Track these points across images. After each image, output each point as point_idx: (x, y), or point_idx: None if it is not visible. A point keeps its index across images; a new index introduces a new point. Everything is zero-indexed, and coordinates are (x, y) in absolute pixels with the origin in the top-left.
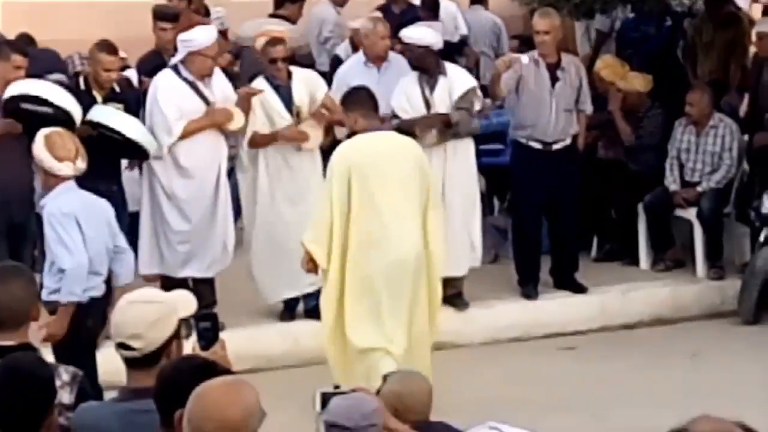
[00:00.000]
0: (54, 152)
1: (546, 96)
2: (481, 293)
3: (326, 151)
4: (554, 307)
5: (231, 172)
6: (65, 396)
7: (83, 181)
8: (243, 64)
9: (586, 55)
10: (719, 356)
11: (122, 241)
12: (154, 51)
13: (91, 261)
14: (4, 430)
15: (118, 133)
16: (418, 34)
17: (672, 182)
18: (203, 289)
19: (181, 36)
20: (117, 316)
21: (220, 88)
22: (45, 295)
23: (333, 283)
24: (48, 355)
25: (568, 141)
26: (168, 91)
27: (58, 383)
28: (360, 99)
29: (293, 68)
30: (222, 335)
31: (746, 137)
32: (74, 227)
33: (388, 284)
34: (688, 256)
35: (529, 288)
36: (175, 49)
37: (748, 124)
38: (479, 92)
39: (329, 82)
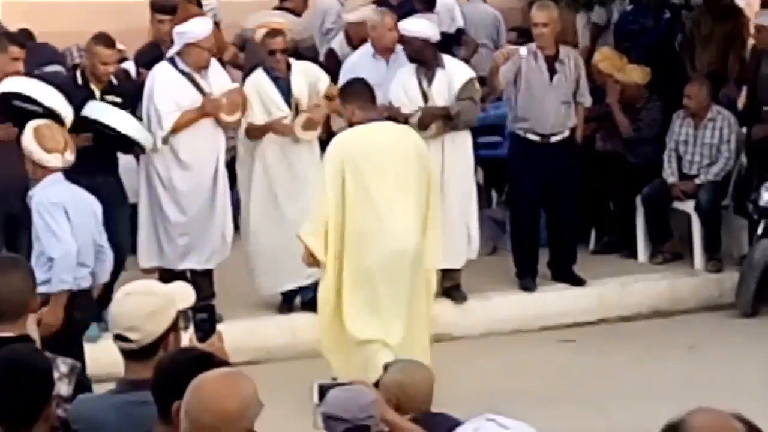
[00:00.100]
0: (43, 144)
1: (544, 88)
2: (480, 285)
3: (325, 143)
4: (552, 300)
5: (231, 164)
6: (63, 388)
7: (80, 173)
8: (248, 56)
9: (585, 48)
10: (717, 348)
11: (104, 240)
12: (152, 43)
13: (78, 251)
14: (3, 421)
15: (113, 129)
16: (416, 26)
17: (670, 175)
18: (202, 281)
19: (177, 28)
20: (114, 308)
21: (217, 79)
22: None
23: (330, 275)
24: None
25: (566, 133)
26: (164, 83)
27: (56, 375)
28: (357, 91)
29: (293, 60)
30: (220, 327)
31: (744, 130)
32: (62, 216)
33: (386, 276)
34: (686, 249)
35: (527, 280)
36: (173, 42)
37: (746, 116)
38: (477, 83)
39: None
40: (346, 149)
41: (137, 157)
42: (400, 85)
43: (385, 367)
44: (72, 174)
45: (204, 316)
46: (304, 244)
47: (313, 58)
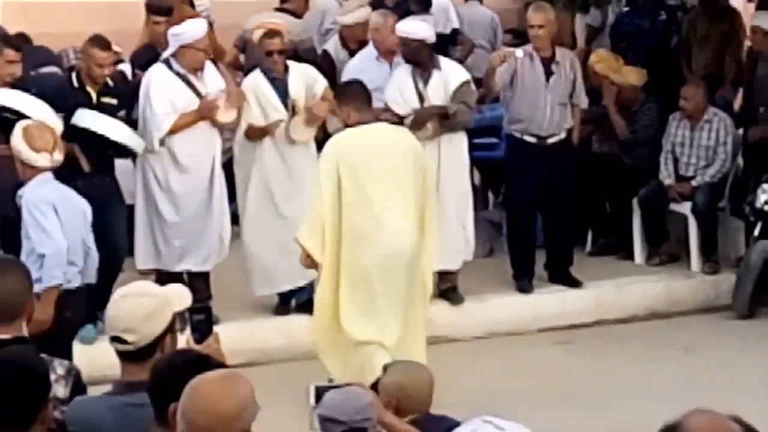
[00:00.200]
0: (31, 144)
1: (540, 90)
2: (476, 287)
3: (321, 144)
4: (549, 301)
5: (228, 165)
6: (60, 390)
7: (77, 174)
8: (248, 58)
9: (581, 50)
10: (714, 350)
11: (91, 241)
12: (148, 44)
13: (68, 250)
14: None
15: (103, 136)
16: (412, 27)
17: (666, 176)
18: (198, 283)
19: (172, 30)
20: (111, 310)
21: (213, 81)
22: None
23: (327, 276)
24: None
25: (562, 135)
26: (160, 85)
27: (53, 377)
28: (353, 92)
29: (291, 62)
30: (217, 329)
31: (741, 131)
32: (52, 213)
33: (383, 277)
34: (682, 251)
35: (523, 282)
36: (168, 43)
37: (742, 118)
38: (473, 85)
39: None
40: (342, 150)
41: (134, 159)
42: (395, 86)
43: (385, 369)
44: (68, 175)
45: (201, 318)
46: (302, 246)
47: (313, 60)
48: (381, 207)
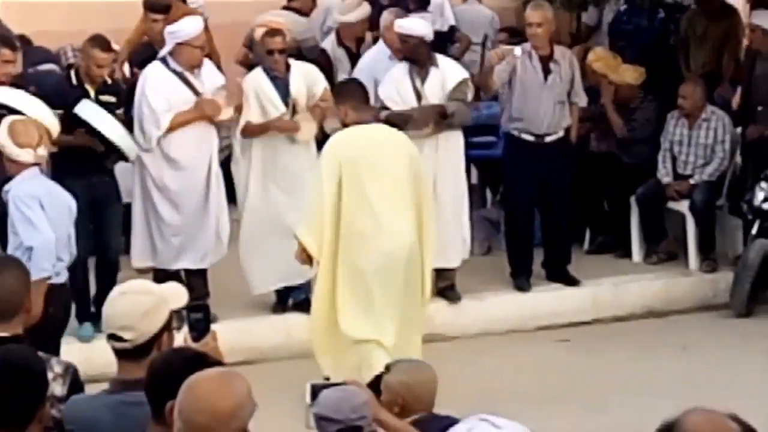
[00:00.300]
0: (15, 139)
1: (539, 88)
2: (474, 285)
3: (320, 143)
4: (547, 300)
5: (226, 163)
6: (57, 388)
7: (75, 172)
8: (256, 56)
9: (580, 48)
10: (711, 349)
11: (74, 236)
12: (146, 42)
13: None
14: None
15: (99, 133)
16: (412, 25)
17: (664, 175)
18: (196, 281)
19: (168, 28)
20: (108, 308)
21: (210, 78)
22: None
23: (325, 275)
24: None
25: (560, 133)
26: (157, 83)
27: (50, 375)
28: (350, 91)
29: (293, 61)
30: (215, 327)
31: (739, 130)
32: (38, 207)
33: (380, 276)
34: (680, 249)
35: (521, 280)
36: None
37: (740, 116)
38: (471, 83)
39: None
40: (343, 149)
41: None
42: (392, 84)
43: (388, 368)
44: (67, 173)
45: (199, 316)
46: (301, 242)
47: (316, 59)
48: (380, 207)
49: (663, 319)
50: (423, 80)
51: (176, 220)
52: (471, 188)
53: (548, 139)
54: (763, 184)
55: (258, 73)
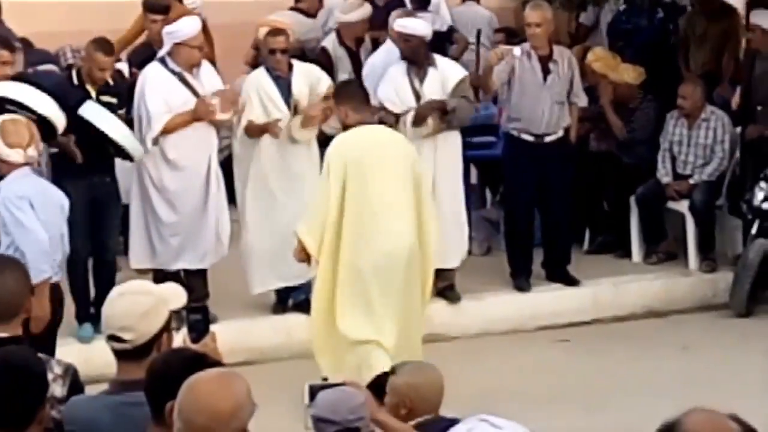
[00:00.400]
0: (5, 139)
1: (538, 88)
2: (474, 286)
3: (322, 143)
4: (546, 300)
5: (225, 163)
6: (57, 389)
7: (77, 173)
8: (263, 57)
9: (579, 48)
10: (711, 348)
11: (66, 234)
12: (145, 43)
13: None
14: None
15: (104, 134)
16: (413, 24)
17: (664, 175)
18: (195, 281)
19: (166, 28)
20: (107, 309)
21: (209, 79)
22: None
23: (325, 275)
24: None
25: (560, 133)
26: (155, 84)
27: (50, 376)
28: (350, 92)
29: (295, 61)
30: (215, 328)
31: (738, 130)
32: (29, 208)
33: (380, 277)
34: (680, 249)
35: (521, 280)
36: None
37: (740, 116)
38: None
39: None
40: (349, 149)
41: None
42: (390, 85)
43: (393, 370)
44: (68, 173)
45: (198, 317)
46: (301, 241)
47: (317, 59)
48: (381, 207)
49: (663, 319)
50: (421, 80)
51: (174, 220)
52: (471, 188)
53: (548, 139)
54: (762, 184)
55: (260, 72)
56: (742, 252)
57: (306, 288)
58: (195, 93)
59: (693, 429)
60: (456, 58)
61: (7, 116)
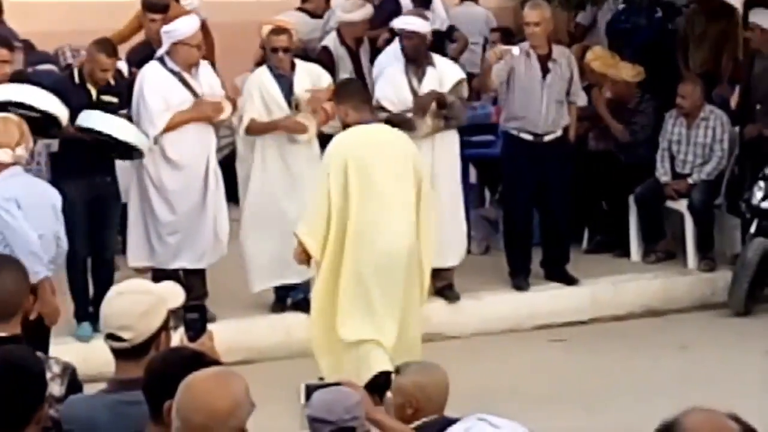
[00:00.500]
0: None
1: (537, 88)
2: (472, 285)
3: (322, 142)
4: (545, 299)
5: (224, 163)
6: (56, 388)
7: (78, 172)
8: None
9: (578, 47)
10: (710, 347)
11: (62, 232)
12: (144, 42)
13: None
14: None
15: (109, 136)
16: (414, 22)
17: (663, 174)
18: (194, 280)
19: (165, 27)
20: (106, 307)
21: (207, 78)
22: None
23: (326, 275)
24: None
25: (559, 133)
26: (154, 83)
27: (48, 375)
28: (350, 91)
29: (298, 61)
30: (213, 327)
31: (737, 129)
32: (16, 209)
33: (381, 276)
34: (678, 248)
35: (520, 279)
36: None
37: (739, 115)
38: (466, 84)
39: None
40: (350, 148)
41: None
42: (389, 84)
43: (398, 371)
44: (68, 173)
45: (195, 316)
46: (301, 242)
47: (318, 58)
48: (383, 207)
49: (661, 318)
50: (420, 80)
51: (173, 220)
52: (469, 187)
53: (547, 138)
54: (761, 183)
55: (262, 71)
56: (741, 251)
57: (304, 287)
58: (193, 92)
59: (692, 428)
60: (455, 58)
61: None
